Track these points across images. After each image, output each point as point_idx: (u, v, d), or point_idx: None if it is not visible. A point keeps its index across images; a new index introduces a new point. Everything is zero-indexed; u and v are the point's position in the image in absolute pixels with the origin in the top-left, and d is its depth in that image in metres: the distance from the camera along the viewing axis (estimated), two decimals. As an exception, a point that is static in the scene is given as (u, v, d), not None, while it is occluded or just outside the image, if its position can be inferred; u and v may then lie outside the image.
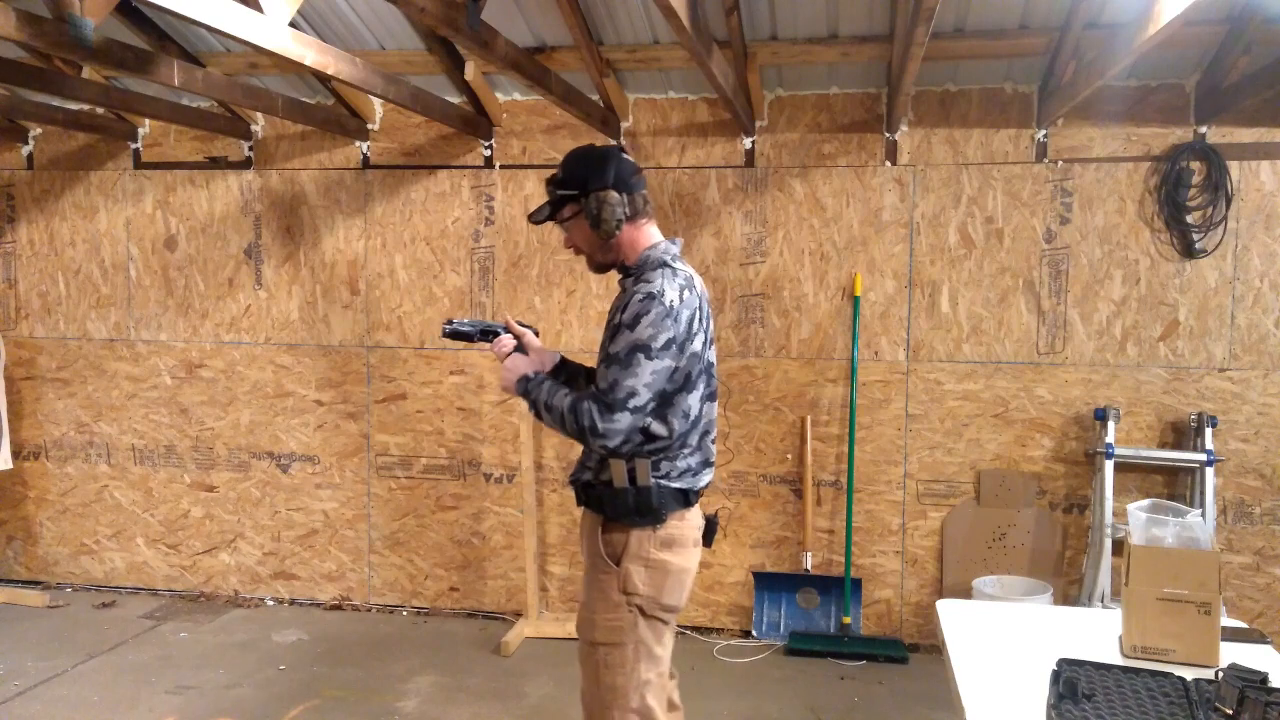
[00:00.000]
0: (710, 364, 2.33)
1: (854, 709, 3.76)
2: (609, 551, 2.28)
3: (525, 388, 2.33)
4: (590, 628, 2.29)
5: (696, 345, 2.23)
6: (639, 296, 2.17)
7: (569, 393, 2.25)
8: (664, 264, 2.28)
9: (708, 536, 2.44)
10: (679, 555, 2.28)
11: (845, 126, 4.33)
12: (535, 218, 2.39)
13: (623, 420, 2.15)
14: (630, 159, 2.35)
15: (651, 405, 2.19)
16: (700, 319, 2.26)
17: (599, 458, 2.28)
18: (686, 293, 2.22)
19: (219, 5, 2.61)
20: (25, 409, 5.10)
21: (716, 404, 2.42)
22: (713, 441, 2.40)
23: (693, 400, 2.26)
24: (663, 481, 2.25)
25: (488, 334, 2.52)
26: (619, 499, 2.25)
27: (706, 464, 2.35)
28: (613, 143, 2.46)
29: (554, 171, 2.36)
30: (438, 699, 3.80)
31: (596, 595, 2.29)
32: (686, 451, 2.28)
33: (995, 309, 4.26)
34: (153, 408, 4.98)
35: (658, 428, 2.22)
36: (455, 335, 2.53)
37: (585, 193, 2.27)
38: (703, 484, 2.33)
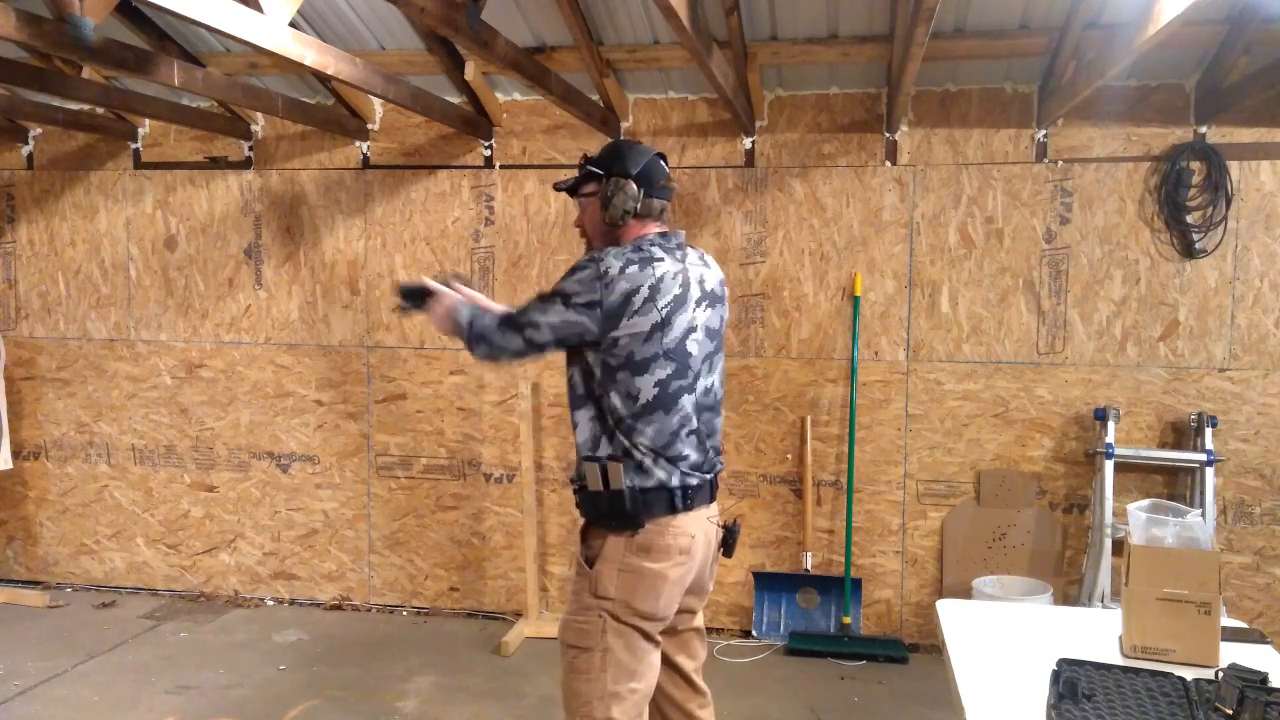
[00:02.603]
0: (681, 351, 2.24)
1: (854, 709, 3.76)
2: (586, 555, 2.27)
3: (451, 317, 2.34)
4: (563, 629, 2.28)
5: (642, 325, 2.18)
6: (582, 258, 2.24)
7: (485, 308, 2.34)
8: (635, 245, 2.27)
9: (727, 546, 2.41)
10: (658, 561, 2.21)
11: (845, 126, 4.33)
12: (559, 185, 2.49)
13: (513, 342, 2.22)
14: (665, 168, 2.39)
15: (549, 347, 2.23)
16: (658, 301, 2.20)
17: (580, 460, 2.28)
18: (634, 268, 2.19)
19: (219, 5, 2.61)
20: (25, 409, 5.10)
21: (711, 411, 2.36)
22: (709, 443, 2.35)
23: (642, 383, 2.20)
24: (638, 484, 2.20)
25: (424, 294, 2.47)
26: (594, 502, 2.25)
27: (693, 464, 2.27)
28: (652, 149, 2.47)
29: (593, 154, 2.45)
30: (438, 699, 3.80)
31: (572, 598, 2.29)
32: (653, 444, 2.21)
33: (995, 309, 4.26)
34: (153, 408, 4.98)
35: (606, 402, 2.21)
36: (406, 294, 2.49)
37: (608, 175, 2.32)
38: (691, 484, 2.25)
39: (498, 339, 2.24)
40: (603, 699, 2.19)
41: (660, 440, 2.22)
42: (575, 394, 2.28)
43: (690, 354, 2.28)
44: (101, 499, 5.08)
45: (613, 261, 2.19)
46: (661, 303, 2.21)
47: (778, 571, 4.47)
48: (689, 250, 2.39)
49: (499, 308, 2.35)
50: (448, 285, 2.47)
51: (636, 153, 2.35)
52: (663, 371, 2.22)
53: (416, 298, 2.50)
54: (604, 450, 2.23)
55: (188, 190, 4.89)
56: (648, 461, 2.21)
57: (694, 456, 2.28)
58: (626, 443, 2.21)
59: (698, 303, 2.32)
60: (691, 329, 2.29)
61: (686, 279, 2.29)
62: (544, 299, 2.22)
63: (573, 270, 2.22)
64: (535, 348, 2.23)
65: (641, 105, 4.49)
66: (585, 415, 2.26)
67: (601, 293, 2.16)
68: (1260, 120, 4.02)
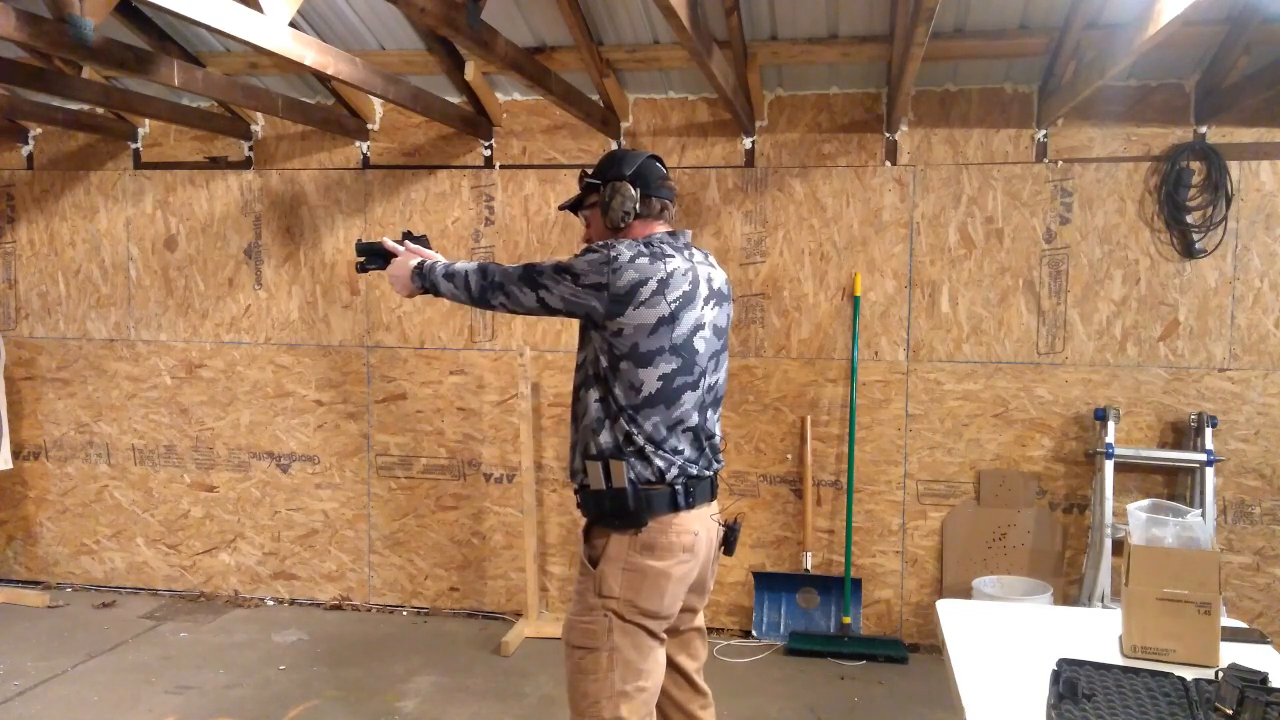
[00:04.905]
0: (688, 348, 2.26)
1: (854, 709, 3.76)
2: (589, 554, 2.28)
3: (420, 274, 2.45)
4: (568, 630, 2.29)
5: (648, 317, 2.20)
6: (595, 244, 2.29)
7: (472, 261, 2.42)
8: (645, 240, 2.29)
9: (728, 545, 2.42)
10: (662, 560, 2.23)
11: (845, 126, 4.33)
12: (563, 206, 2.55)
13: (528, 299, 2.27)
14: (661, 168, 2.42)
15: (558, 313, 2.28)
16: (667, 295, 2.21)
17: (580, 461, 2.29)
18: (644, 259, 2.21)
19: (219, 5, 2.61)
20: (25, 409, 5.10)
21: (713, 409, 2.38)
22: (708, 441, 2.36)
23: (645, 375, 2.22)
24: (640, 475, 2.22)
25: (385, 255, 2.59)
26: (597, 501, 2.26)
27: (688, 459, 2.28)
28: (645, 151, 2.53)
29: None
30: (438, 699, 3.80)
31: (576, 598, 2.30)
32: (651, 436, 2.23)
33: (995, 309, 4.26)
34: (153, 408, 4.98)
35: (611, 390, 2.24)
36: (364, 251, 2.59)
37: (605, 182, 2.36)
38: (691, 478, 2.26)
39: (515, 292, 2.29)
40: (611, 698, 2.20)
41: (658, 434, 2.25)
42: (586, 374, 2.31)
43: (697, 351, 2.29)
44: (101, 499, 5.08)
45: (623, 250, 2.21)
46: (670, 297, 2.22)
47: (778, 571, 4.47)
48: (695, 250, 2.40)
49: (461, 264, 2.41)
50: (402, 244, 2.56)
51: (629, 156, 2.39)
52: (668, 366, 2.24)
53: (376, 256, 2.57)
54: (606, 437, 2.24)
55: (188, 190, 4.89)
56: (649, 449, 2.23)
57: (689, 452, 2.30)
58: (628, 428, 2.23)
59: (705, 300, 2.33)
60: (699, 326, 2.30)
61: (696, 276, 2.31)
62: (557, 270, 2.25)
63: (584, 252, 2.26)
64: (546, 309, 2.28)
65: (641, 105, 4.49)
66: (594, 395, 2.28)
67: (609, 277, 2.18)
68: (1260, 120, 4.02)
